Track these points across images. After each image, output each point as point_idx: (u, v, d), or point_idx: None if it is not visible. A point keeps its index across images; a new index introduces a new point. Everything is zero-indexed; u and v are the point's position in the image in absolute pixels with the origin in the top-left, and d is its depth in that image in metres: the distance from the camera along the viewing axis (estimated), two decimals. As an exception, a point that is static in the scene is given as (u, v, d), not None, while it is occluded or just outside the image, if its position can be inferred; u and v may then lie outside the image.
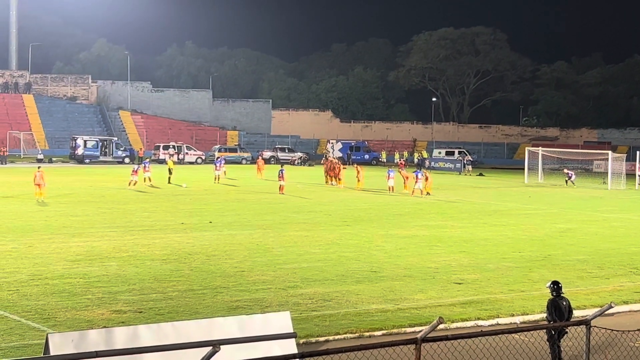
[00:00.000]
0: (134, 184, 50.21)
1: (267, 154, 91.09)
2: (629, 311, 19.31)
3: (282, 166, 55.94)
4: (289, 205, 41.72)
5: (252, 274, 22.15)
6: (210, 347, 8.51)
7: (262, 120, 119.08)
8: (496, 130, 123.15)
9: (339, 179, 56.31)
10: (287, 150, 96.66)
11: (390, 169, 54.54)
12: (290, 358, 9.35)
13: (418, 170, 50.76)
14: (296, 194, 48.26)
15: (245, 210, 39.04)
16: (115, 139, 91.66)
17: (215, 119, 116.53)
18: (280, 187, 48.80)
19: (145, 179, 52.71)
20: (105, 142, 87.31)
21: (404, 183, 52.47)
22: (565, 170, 66.58)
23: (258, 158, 73.00)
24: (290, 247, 27.11)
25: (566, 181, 64.06)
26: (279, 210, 38.95)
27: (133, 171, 51.46)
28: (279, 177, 49.59)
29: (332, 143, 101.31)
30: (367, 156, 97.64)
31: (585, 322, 11.93)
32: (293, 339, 13.49)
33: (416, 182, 48.73)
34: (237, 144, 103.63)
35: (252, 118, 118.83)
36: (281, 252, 26.01)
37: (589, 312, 15.34)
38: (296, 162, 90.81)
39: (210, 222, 33.20)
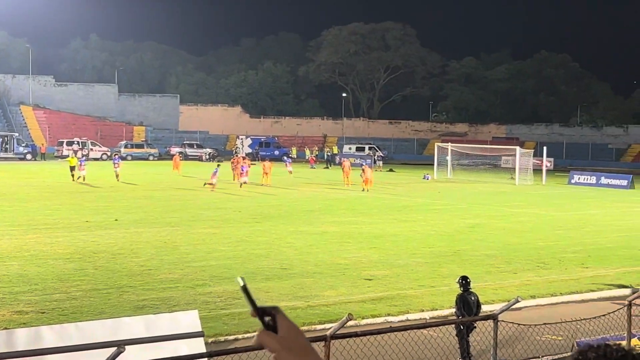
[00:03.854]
0: (83, 179, 52.23)
1: (175, 149, 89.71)
2: (536, 305, 19.62)
3: (217, 165, 55.78)
4: (198, 202, 41.27)
5: (159, 272, 21.75)
6: (115, 348, 8.29)
7: (169, 116, 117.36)
8: (406, 126, 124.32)
9: (240, 176, 55.74)
10: (195, 146, 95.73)
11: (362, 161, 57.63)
12: (198, 357, 9.13)
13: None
14: (205, 191, 47.78)
15: (153, 207, 38.42)
16: (16, 134, 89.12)
17: (121, 114, 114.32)
18: (211, 185, 48.33)
19: (79, 176, 52.89)
20: (5, 138, 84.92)
21: (347, 177, 56.32)
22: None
23: (176, 154, 73.22)
24: (198, 244, 26.74)
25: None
26: (187, 207, 38.46)
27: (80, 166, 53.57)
28: (213, 176, 49.15)
29: (242, 139, 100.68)
30: (277, 152, 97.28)
31: (493, 317, 12.02)
32: (201, 338, 13.23)
33: None
34: (144, 139, 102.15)
35: (159, 113, 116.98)
36: (189, 249, 25.64)
37: (496, 307, 15.47)
38: (204, 158, 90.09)
39: (116, 220, 32.54)
